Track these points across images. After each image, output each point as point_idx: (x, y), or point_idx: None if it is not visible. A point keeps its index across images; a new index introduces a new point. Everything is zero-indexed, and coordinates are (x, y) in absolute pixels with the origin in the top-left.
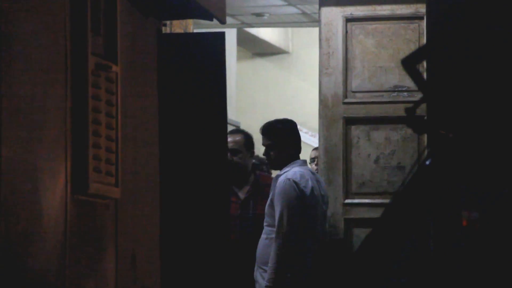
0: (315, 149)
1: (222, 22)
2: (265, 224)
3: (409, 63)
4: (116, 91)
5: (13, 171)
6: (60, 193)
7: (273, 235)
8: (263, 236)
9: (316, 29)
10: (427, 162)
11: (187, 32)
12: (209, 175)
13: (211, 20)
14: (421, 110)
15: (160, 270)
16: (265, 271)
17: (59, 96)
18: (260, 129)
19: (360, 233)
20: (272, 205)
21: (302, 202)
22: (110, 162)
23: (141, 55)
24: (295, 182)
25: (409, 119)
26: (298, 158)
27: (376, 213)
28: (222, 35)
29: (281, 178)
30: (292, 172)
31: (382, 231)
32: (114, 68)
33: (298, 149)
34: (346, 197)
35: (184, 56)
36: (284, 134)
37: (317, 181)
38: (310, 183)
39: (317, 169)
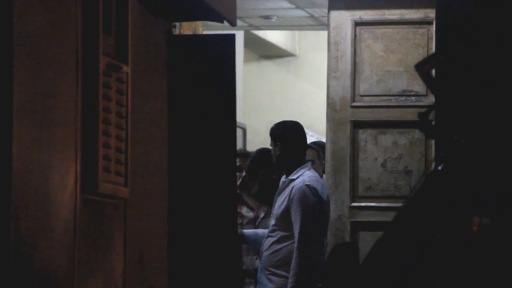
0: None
1: (233, 24)
2: (275, 227)
3: (422, 68)
4: (126, 91)
5: (24, 170)
6: (70, 192)
7: (285, 239)
8: (270, 239)
9: (323, 33)
10: (440, 167)
11: (197, 34)
12: (217, 176)
13: (222, 22)
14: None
15: (168, 270)
16: (274, 274)
17: (70, 95)
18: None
19: (366, 236)
20: (286, 209)
21: (320, 207)
22: (120, 162)
23: (151, 56)
24: (314, 188)
25: (422, 123)
26: (304, 160)
27: (382, 217)
28: (232, 37)
29: (298, 183)
30: (307, 177)
31: (391, 236)
32: (125, 68)
33: (304, 151)
34: (353, 200)
35: (194, 58)
36: (288, 136)
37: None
38: (325, 189)
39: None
